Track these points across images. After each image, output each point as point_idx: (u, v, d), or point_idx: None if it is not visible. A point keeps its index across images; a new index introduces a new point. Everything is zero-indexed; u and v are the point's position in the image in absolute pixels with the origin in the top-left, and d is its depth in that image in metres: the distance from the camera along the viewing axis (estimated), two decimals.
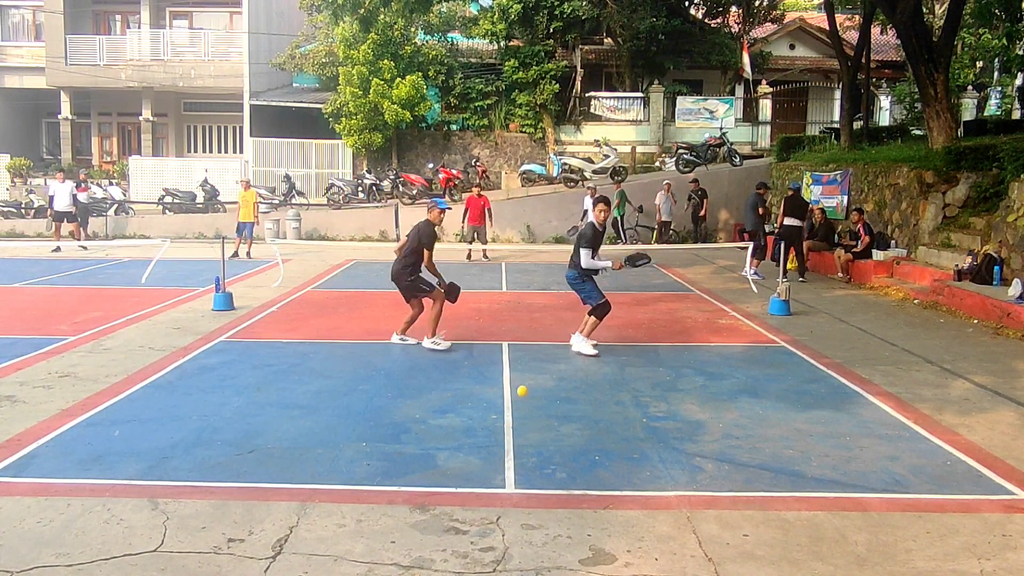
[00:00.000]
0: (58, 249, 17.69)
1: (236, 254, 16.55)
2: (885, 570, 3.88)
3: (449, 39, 27.21)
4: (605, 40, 27.13)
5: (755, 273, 14.17)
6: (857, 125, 19.90)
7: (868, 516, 4.47)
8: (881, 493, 4.78)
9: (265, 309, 10.84)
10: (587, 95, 26.13)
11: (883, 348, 8.73)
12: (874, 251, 13.73)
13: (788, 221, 14.04)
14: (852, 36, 23.46)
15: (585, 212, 19.17)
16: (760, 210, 14.87)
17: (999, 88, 23.61)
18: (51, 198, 19.18)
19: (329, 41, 25.73)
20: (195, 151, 29.42)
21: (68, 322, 9.76)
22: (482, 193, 17.55)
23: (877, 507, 4.59)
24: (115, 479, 4.88)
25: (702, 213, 19.60)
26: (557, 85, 24.82)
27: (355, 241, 20.09)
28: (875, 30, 22.74)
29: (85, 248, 18.11)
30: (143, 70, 26.70)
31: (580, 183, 21.59)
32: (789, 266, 12.91)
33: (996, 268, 10.73)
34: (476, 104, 25.43)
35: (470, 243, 17.31)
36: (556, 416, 6.21)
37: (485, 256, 17.15)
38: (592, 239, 8.23)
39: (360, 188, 22.97)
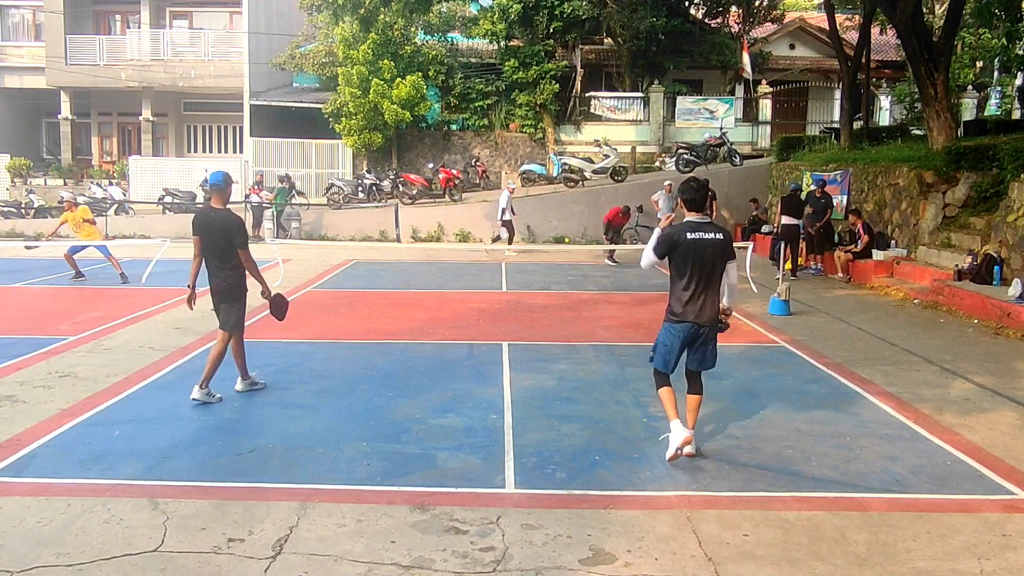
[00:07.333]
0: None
1: (124, 278, 13.15)
2: (885, 570, 3.88)
3: (449, 39, 27.21)
4: (605, 40, 27.12)
5: (815, 269, 14.44)
6: (857, 125, 19.88)
7: (868, 516, 4.47)
8: (881, 493, 4.78)
9: (265, 309, 10.81)
10: (587, 95, 26.12)
11: (883, 348, 8.73)
12: (874, 251, 13.73)
13: (786, 220, 14.23)
14: (852, 36, 23.42)
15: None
16: (809, 208, 14.53)
17: (999, 88, 23.58)
18: None
19: (329, 41, 25.72)
20: (195, 151, 29.43)
21: (68, 322, 9.76)
22: None
23: (877, 507, 4.59)
24: (115, 479, 4.87)
25: (709, 212, 19.56)
26: (557, 85, 24.80)
27: (355, 241, 20.08)
28: (875, 30, 22.71)
29: None
30: (143, 70, 26.70)
31: (580, 183, 21.60)
32: (786, 266, 12.93)
33: (996, 268, 10.73)
34: (476, 104, 25.43)
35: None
36: (556, 416, 6.21)
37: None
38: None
39: (360, 188, 22.97)
